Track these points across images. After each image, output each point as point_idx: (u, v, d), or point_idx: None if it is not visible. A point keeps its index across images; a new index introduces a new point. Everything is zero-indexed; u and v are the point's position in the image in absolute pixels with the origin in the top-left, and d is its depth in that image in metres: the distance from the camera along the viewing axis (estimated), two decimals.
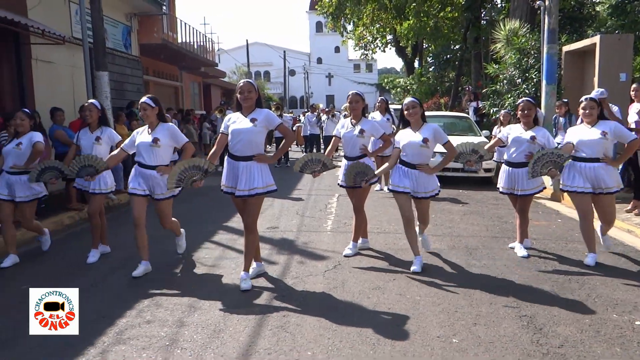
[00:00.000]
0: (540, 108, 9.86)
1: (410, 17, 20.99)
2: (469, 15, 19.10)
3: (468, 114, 14.30)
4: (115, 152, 4.97)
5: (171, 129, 4.73)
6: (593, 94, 7.40)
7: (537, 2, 10.35)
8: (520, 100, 5.20)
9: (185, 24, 18.71)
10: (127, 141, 4.84)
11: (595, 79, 9.66)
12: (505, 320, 3.62)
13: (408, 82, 27.41)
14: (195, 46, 19.85)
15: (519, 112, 5.08)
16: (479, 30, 18.85)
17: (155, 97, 4.78)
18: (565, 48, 11.11)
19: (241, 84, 4.25)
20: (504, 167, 5.25)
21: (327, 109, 18.15)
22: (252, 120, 4.20)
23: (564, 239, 5.93)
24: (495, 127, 10.71)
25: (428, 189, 4.72)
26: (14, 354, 3.25)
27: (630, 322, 3.57)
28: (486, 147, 5.33)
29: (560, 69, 11.04)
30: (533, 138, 4.98)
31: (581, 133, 4.87)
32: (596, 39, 9.91)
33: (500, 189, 5.31)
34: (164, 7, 15.06)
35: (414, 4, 20.63)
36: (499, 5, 20.46)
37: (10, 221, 5.30)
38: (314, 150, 15.28)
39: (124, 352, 3.24)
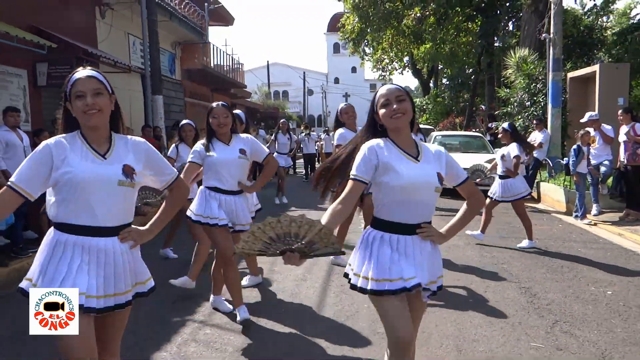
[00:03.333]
0: (546, 128, 11.07)
1: (427, 42, 22.31)
2: (482, 42, 20.34)
3: (484, 134, 15.48)
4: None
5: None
6: (586, 117, 8.64)
7: (543, 35, 11.61)
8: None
9: (217, 48, 20.34)
10: (23, 170, 2.15)
11: (596, 103, 10.85)
12: (508, 290, 4.82)
13: (424, 101, 28.66)
14: (226, 69, 21.43)
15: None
16: (492, 56, 20.08)
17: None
18: (570, 74, 12.33)
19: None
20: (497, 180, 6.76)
21: None
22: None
23: (562, 239, 7.08)
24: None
25: (435, 274, 2.42)
26: None
27: (603, 292, 4.74)
28: (489, 167, 6.95)
29: (566, 93, 12.24)
30: (502, 156, 6.59)
31: None
32: (596, 67, 11.14)
33: (495, 197, 6.63)
34: (204, 36, 16.62)
35: (430, 29, 22.00)
36: (511, 30, 21.76)
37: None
38: None
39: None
